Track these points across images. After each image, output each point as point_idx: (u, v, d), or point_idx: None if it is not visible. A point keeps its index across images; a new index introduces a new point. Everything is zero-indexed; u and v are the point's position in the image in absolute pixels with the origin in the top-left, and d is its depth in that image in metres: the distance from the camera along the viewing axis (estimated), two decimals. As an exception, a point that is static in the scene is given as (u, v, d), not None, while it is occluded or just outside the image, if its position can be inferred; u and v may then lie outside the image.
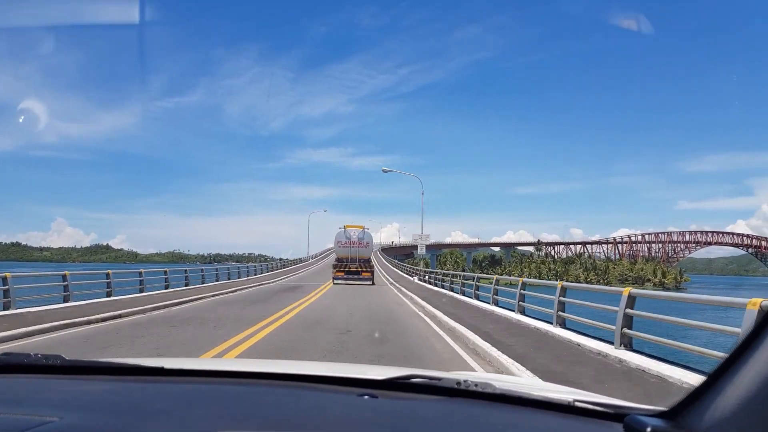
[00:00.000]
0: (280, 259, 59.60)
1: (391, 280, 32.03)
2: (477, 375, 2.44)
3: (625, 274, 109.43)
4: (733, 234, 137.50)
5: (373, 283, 29.18)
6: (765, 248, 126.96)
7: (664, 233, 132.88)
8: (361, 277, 29.41)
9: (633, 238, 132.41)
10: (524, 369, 6.78)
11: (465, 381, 1.46)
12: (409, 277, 34.55)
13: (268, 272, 39.95)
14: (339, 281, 29.18)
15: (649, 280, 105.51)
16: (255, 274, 35.27)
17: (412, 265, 50.73)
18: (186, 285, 21.63)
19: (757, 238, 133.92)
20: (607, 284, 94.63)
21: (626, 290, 8.28)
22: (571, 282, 9.47)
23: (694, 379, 5.76)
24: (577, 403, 1.33)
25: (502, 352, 7.84)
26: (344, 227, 31.63)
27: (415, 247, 38.66)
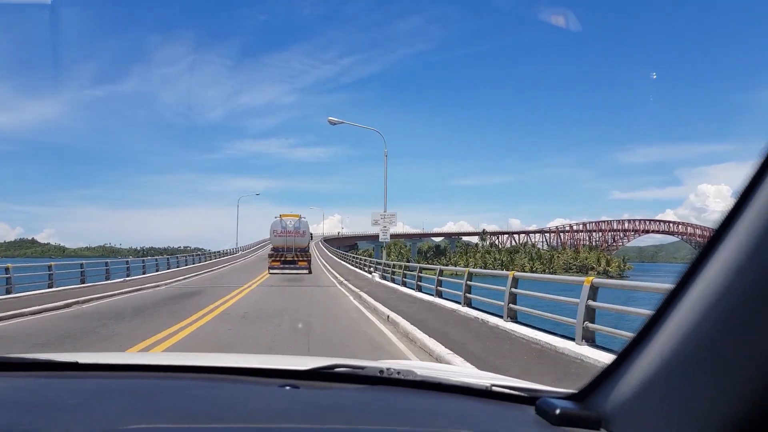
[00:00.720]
0: (197, 250, 54.38)
1: (341, 279, 23.32)
2: (404, 363, 2.29)
3: (570, 263, 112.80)
4: (667, 222, 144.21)
5: (309, 272, 28.75)
6: (698, 235, 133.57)
7: (600, 222, 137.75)
8: (297, 266, 28.91)
9: (570, 227, 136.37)
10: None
11: (388, 369, 1.48)
12: (363, 273, 27.83)
13: (175, 268, 31.01)
14: (275, 270, 28.54)
15: (593, 268, 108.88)
16: (155, 271, 26.75)
17: (358, 255, 48.39)
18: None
19: (691, 225, 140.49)
20: (552, 273, 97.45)
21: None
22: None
23: None
24: (494, 388, 1.38)
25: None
26: (280, 216, 31.03)
27: (360, 238, 36.92)
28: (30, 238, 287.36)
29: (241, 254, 59.15)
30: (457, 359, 6.35)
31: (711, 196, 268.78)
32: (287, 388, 1.39)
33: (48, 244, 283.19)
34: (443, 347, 7.04)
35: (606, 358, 6.07)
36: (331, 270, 30.42)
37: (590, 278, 7.37)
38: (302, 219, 31.47)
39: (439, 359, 6.61)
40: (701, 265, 0.83)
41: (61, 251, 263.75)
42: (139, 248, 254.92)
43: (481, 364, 6.00)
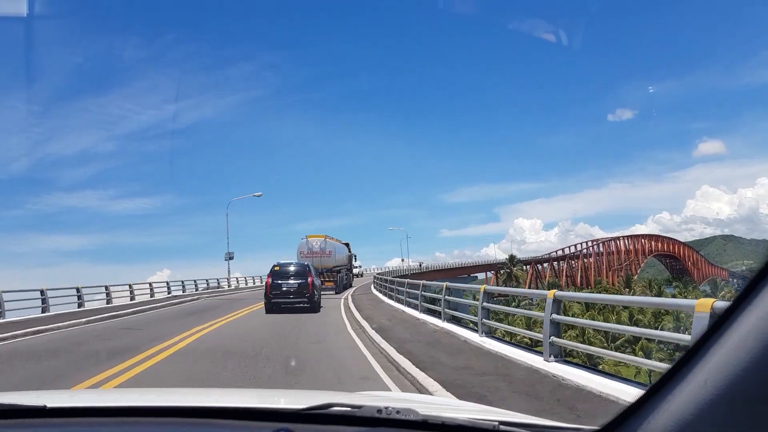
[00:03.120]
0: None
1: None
2: (401, 397, 2.22)
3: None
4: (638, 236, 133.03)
5: (336, 292, 29.02)
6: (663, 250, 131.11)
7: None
8: (324, 286, 28.29)
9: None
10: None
11: (386, 408, 1.39)
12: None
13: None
14: None
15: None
16: None
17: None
18: None
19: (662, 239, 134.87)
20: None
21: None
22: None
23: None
24: (502, 427, 1.31)
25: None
26: (306, 237, 32.29)
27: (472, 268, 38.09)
28: None
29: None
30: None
31: (527, 230, 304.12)
32: None
33: None
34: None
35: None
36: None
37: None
38: (328, 239, 32.59)
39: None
40: (747, 301, 0.79)
41: None
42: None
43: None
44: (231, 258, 38.34)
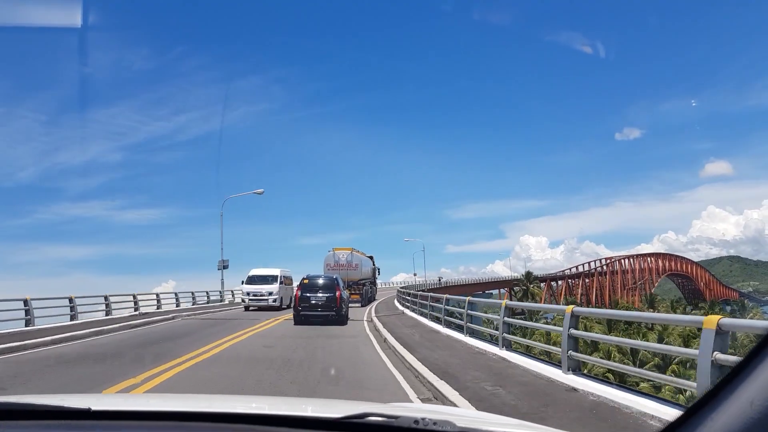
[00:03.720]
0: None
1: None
2: (438, 409, 2.34)
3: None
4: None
5: (362, 305, 29.49)
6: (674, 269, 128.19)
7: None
8: (350, 299, 29.36)
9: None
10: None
11: (423, 419, 1.38)
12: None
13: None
14: None
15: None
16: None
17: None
18: None
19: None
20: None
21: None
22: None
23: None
24: None
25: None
26: (333, 250, 32.75)
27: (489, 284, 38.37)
28: None
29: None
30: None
31: (533, 247, 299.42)
32: None
33: None
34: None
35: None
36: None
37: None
38: (354, 252, 33.10)
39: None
40: None
41: None
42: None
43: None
44: (225, 267, 33.41)
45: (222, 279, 33.40)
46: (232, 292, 33.32)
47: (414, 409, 2.18)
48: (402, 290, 31.08)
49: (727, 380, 0.87)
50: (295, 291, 19.07)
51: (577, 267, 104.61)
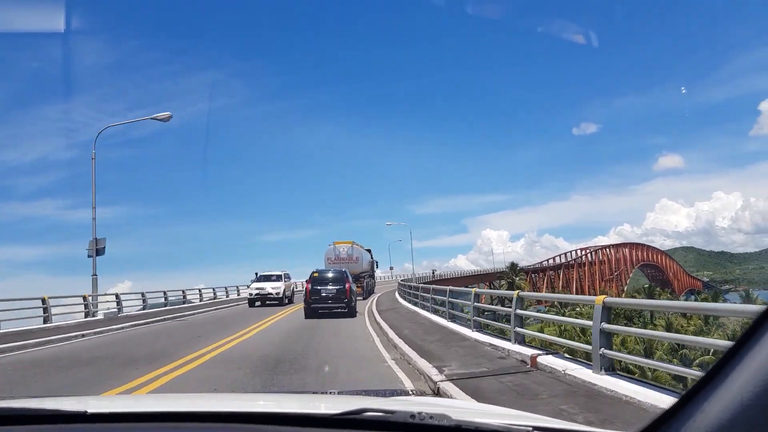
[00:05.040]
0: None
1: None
2: (433, 402, 2.45)
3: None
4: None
5: (364, 298, 29.79)
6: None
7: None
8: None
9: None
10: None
11: (419, 413, 1.37)
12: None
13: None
14: None
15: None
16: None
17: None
18: None
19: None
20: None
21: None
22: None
23: None
24: None
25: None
26: (333, 244, 32.82)
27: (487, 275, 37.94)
28: None
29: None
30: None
31: (494, 241, 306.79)
32: None
33: None
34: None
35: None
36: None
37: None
38: (355, 246, 32.99)
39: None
40: None
41: None
42: None
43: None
44: (100, 253, 20.33)
45: (94, 264, 20.15)
46: (183, 292, 27.47)
47: (412, 402, 2.18)
48: (402, 283, 30.72)
49: (720, 366, 0.87)
50: (304, 285, 19.56)
51: (554, 258, 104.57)
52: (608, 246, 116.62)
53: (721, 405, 0.83)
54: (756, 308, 4.31)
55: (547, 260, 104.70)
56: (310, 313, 17.49)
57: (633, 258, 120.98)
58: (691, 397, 0.90)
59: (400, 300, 24.90)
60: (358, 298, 28.05)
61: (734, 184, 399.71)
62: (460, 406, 2.38)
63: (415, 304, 19.50)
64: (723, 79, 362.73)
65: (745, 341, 0.84)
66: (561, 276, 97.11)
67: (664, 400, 5.08)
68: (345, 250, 32.38)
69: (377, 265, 41.34)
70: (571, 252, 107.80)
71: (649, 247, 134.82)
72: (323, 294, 17.78)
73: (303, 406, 1.64)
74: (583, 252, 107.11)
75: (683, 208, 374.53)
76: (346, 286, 18.06)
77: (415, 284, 22.40)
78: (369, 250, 38.60)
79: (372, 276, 38.97)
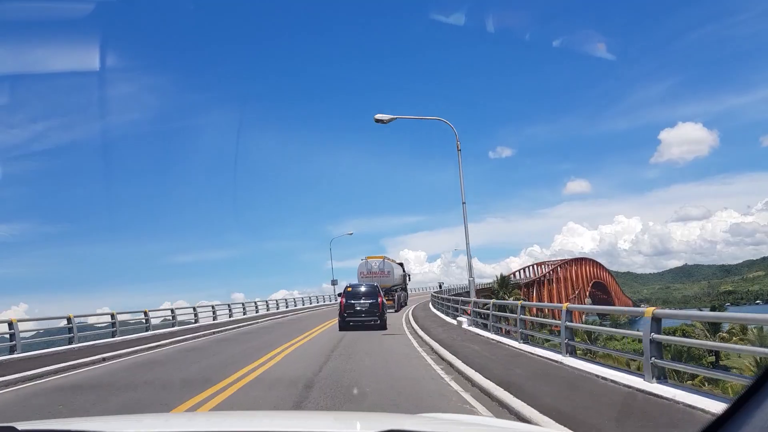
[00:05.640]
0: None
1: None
2: (463, 420, 2.19)
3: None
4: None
5: (396, 310, 30.60)
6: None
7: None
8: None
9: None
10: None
11: None
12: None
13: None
14: None
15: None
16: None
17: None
18: None
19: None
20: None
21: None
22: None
23: None
24: None
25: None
26: (365, 258, 33.60)
27: None
28: None
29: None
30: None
31: (412, 261, 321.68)
32: None
33: None
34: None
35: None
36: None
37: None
38: (386, 260, 33.77)
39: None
40: None
41: None
42: None
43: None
44: None
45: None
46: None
47: (444, 420, 2.15)
48: (435, 295, 31.48)
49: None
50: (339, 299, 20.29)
51: (520, 272, 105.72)
52: (570, 261, 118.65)
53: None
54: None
55: (513, 273, 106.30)
56: (345, 325, 18.38)
57: (589, 274, 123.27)
58: (745, 401, 0.90)
59: (443, 316, 23.05)
60: (390, 310, 28.48)
61: (634, 208, 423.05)
62: (491, 424, 2.34)
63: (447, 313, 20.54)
64: (626, 110, 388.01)
65: None
66: (533, 293, 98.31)
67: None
68: (377, 265, 32.98)
69: (410, 278, 41.71)
70: (528, 267, 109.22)
71: (598, 263, 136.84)
72: (357, 308, 18.72)
73: (334, 426, 1.64)
74: (551, 267, 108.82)
75: (588, 231, 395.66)
76: (378, 300, 18.97)
77: (446, 296, 23.17)
78: (401, 264, 39.01)
79: (404, 289, 39.28)
